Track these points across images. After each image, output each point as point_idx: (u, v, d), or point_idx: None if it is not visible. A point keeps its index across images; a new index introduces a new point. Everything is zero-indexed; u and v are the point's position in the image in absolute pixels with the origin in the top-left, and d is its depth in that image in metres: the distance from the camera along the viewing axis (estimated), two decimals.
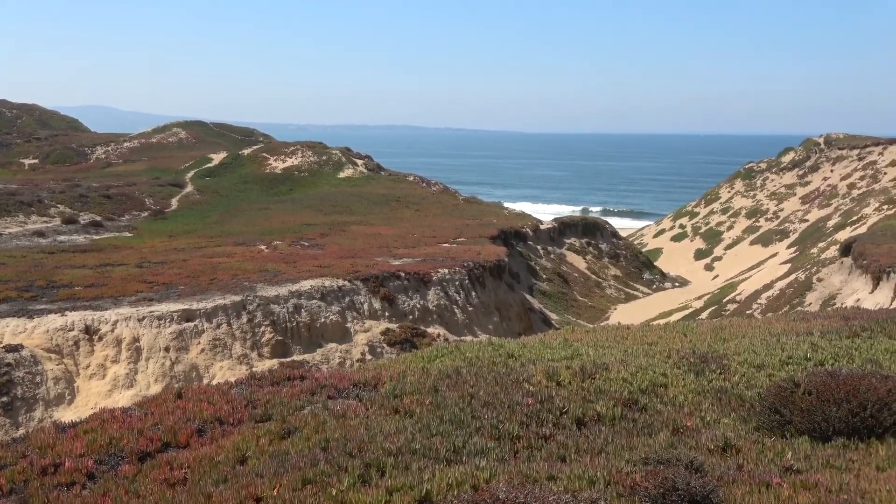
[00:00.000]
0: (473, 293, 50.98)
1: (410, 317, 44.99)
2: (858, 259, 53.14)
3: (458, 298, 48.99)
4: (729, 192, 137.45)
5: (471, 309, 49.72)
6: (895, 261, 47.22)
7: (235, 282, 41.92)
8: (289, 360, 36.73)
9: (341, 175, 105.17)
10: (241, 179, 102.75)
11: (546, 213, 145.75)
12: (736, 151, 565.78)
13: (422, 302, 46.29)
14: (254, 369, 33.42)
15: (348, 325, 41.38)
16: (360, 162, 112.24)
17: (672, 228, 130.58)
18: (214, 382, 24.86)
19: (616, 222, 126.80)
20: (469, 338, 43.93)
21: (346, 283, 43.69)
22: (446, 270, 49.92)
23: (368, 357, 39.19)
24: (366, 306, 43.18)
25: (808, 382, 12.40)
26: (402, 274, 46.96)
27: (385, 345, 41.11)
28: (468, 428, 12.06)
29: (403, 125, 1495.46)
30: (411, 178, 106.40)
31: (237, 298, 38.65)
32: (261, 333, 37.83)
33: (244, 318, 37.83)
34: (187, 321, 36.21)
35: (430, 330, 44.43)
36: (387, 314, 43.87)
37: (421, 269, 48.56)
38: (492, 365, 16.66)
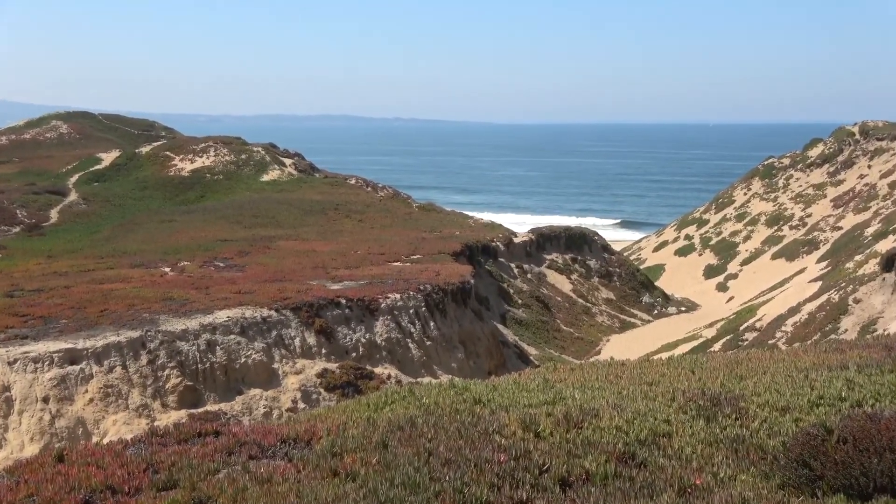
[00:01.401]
0: (432, 323, 50.94)
1: (354, 354, 44.81)
2: None
3: (412, 330, 48.91)
4: (745, 194, 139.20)
5: (429, 343, 49.66)
6: None
7: (132, 313, 41.48)
8: (200, 410, 36.35)
9: (265, 178, 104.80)
10: (139, 185, 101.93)
11: (521, 222, 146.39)
12: (752, 144, 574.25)
13: (368, 335, 46.15)
14: (156, 423, 33.03)
15: (276, 365, 41.11)
16: (288, 161, 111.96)
17: (676, 240, 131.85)
18: (106, 441, 24.52)
19: (607, 233, 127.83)
20: (427, 379, 43.79)
21: (273, 313, 43.43)
22: (398, 296, 49.83)
23: (301, 405, 38.93)
24: (297, 342, 42.94)
25: (842, 428, 12.50)
26: (343, 301, 46.78)
27: (322, 389, 40.88)
28: (425, 493, 12.01)
29: (342, 115, 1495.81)
30: (353, 181, 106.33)
31: (135, 334, 38.23)
32: (165, 378, 37.44)
33: (144, 360, 37.43)
34: (71, 364, 35.75)
35: (378, 370, 44.27)
36: (324, 351, 43.66)
37: (366, 295, 48.41)
38: (454, 413, 16.61)
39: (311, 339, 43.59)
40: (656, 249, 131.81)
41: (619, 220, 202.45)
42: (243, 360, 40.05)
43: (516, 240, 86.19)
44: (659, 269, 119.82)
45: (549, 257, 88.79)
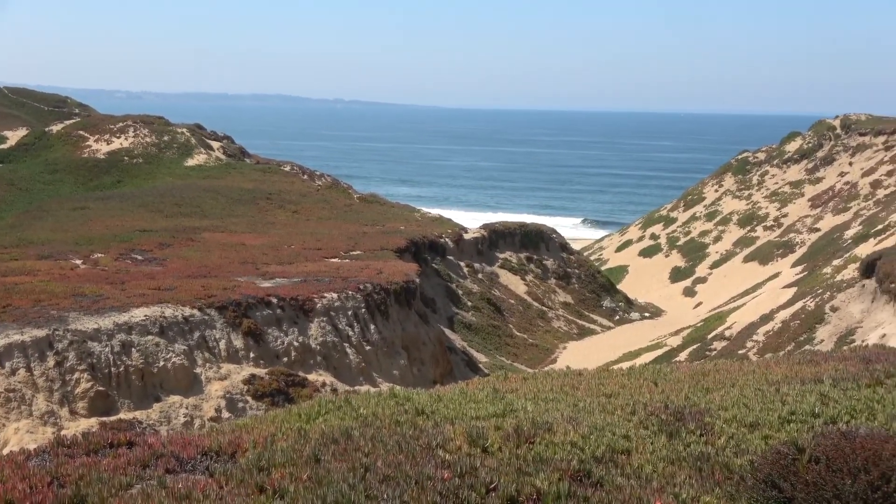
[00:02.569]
0: (372, 326, 50.90)
1: (285, 359, 44.65)
2: (885, 281, 54.80)
3: (350, 334, 48.84)
4: (716, 191, 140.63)
5: (368, 348, 49.62)
6: None
7: (39, 310, 40.99)
8: (114, 418, 36.04)
9: (190, 162, 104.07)
10: (49, 167, 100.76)
11: (472, 217, 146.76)
12: (726, 136, 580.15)
13: (301, 338, 46.01)
14: (63, 432, 32.70)
15: (198, 370, 40.86)
16: (216, 145, 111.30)
17: (641, 239, 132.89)
18: (6, 451, 24.24)
19: (566, 231, 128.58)
20: (366, 387, 43.74)
21: (196, 312, 43.14)
22: (335, 295, 49.72)
23: (226, 414, 38.74)
24: (223, 344, 42.71)
25: (815, 447, 12.68)
26: (275, 300, 46.59)
27: (249, 397, 40.70)
28: None
29: (277, 94, 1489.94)
30: (288, 168, 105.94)
31: (41, 333, 37.79)
32: (74, 382, 37.06)
33: (50, 362, 37.02)
34: None
35: (311, 377, 44.15)
36: (252, 355, 43.47)
37: (300, 294, 48.25)
38: (395, 425, 16.62)
39: (238, 342, 43.37)
40: (619, 249, 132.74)
41: (579, 217, 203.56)
42: (162, 363, 39.75)
43: (467, 236, 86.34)
44: (621, 270, 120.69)
45: (502, 256, 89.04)
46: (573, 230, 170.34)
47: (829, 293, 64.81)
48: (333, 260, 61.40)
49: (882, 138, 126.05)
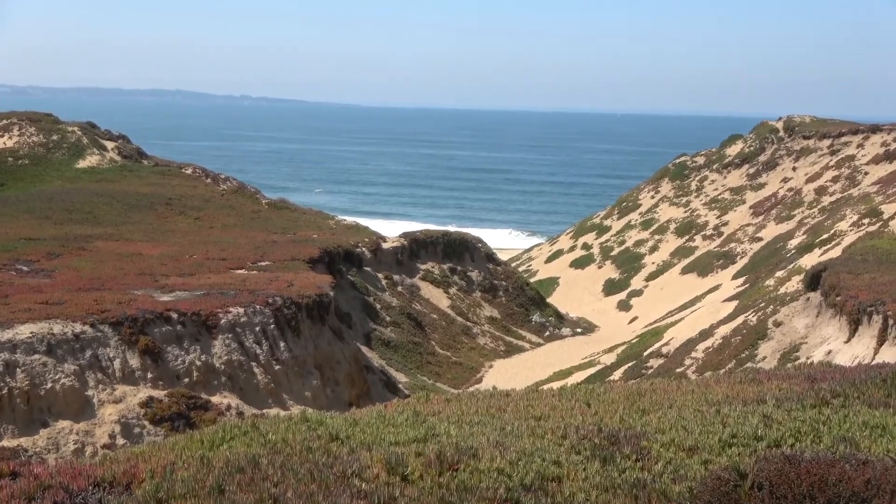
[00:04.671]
0: (282, 344, 50.63)
1: (186, 379, 44.25)
2: (830, 294, 55.66)
3: (258, 352, 48.53)
4: (653, 197, 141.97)
5: (278, 367, 49.34)
6: (879, 297, 49.56)
7: None
8: None
9: (82, 164, 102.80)
10: None
11: (391, 226, 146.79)
12: (664, 138, 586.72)
13: (204, 357, 45.62)
14: None
15: (90, 392, 40.33)
16: (110, 145, 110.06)
17: (573, 249, 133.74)
18: None
19: (493, 240, 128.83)
20: (275, 410, 43.50)
21: (88, 328, 42.59)
22: (241, 310, 49.38)
23: (121, 441, 38.28)
24: (118, 364, 42.20)
25: (758, 472, 12.82)
26: (175, 315, 46.15)
27: (147, 422, 40.27)
28: None
29: (178, 90, 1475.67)
30: (189, 171, 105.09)
31: None
32: None
33: None
34: None
35: (215, 399, 43.81)
36: (150, 376, 43.01)
37: (203, 308, 47.85)
38: (306, 452, 16.53)
39: (135, 361, 42.88)
40: (549, 260, 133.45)
41: (506, 226, 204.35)
42: (50, 385, 39.17)
43: (385, 246, 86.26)
44: (552, 283, 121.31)
45: (423, 267, 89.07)
46: (500, 239, 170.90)
47: (772, 307, 65.73)
48: (240, 271, 60.99)
49: (827, 142, 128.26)
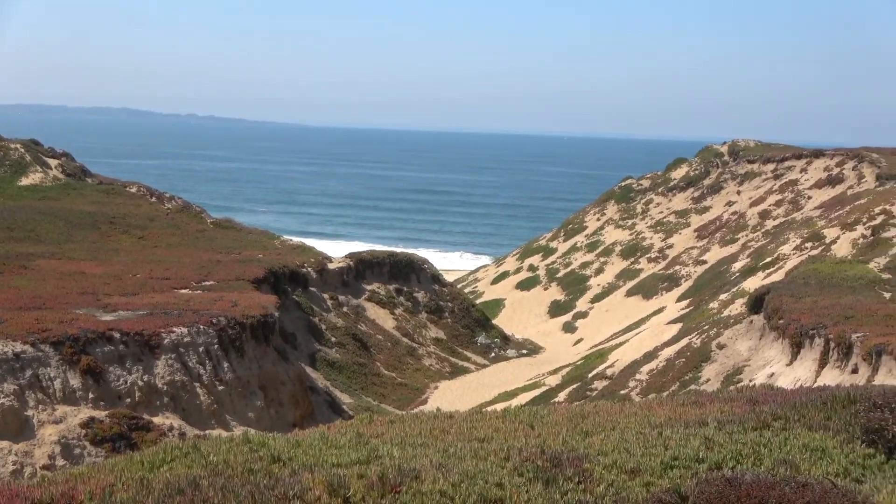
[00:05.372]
0: (226, 364, 50.35)
1: (128, 400, 43.86)
2: (773, 318, 56.18)
3: (201, 372, 48.23)
4: (598, 220, 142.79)
5: (221, 388, 49.05)
6: (821, 320, 50.08)
7: None
8: None
9: (24, 182, 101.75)
10: None
11: (337, 246, 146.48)
12: (610, 161, 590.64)
13: (146, 377, 45.25)
14: None
15: (29, 412, 39.86)
16: (54, 163, 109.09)
17: (518, 271, 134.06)
18: None
19: (438, 261, 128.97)
20: (217, 431, 43.22)
21: (28, 347, 42.12)
22: (185, 330, 49.06)
23: (61, 462, 37.86)
24: (58, 384, 41.77)
25: (698, 494, 12.92)
26: (117, 335, 45.75)
27: (87, 443, 39.87)
28: None
29: (124, 108, 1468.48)
30: (134, 190, 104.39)
31: None
32: None
33: None
34: None
35: (157, 420, 43.46)
36: (91, 396, 42.60)
37: (146, 328, 47.48)
38: (248, 473, 16.45)
39: (76, 381, 42.46)
40: (495, 282, 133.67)
41: (452, 247, 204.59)
42: None
43: (331, 266, 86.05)
44: (497, 304, 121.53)
45: (369, 288, 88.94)
46: (446, 260, 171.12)
47: (715, 329, 66.22)
48: (183, 291, 60.63)
49: (771, 166, 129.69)
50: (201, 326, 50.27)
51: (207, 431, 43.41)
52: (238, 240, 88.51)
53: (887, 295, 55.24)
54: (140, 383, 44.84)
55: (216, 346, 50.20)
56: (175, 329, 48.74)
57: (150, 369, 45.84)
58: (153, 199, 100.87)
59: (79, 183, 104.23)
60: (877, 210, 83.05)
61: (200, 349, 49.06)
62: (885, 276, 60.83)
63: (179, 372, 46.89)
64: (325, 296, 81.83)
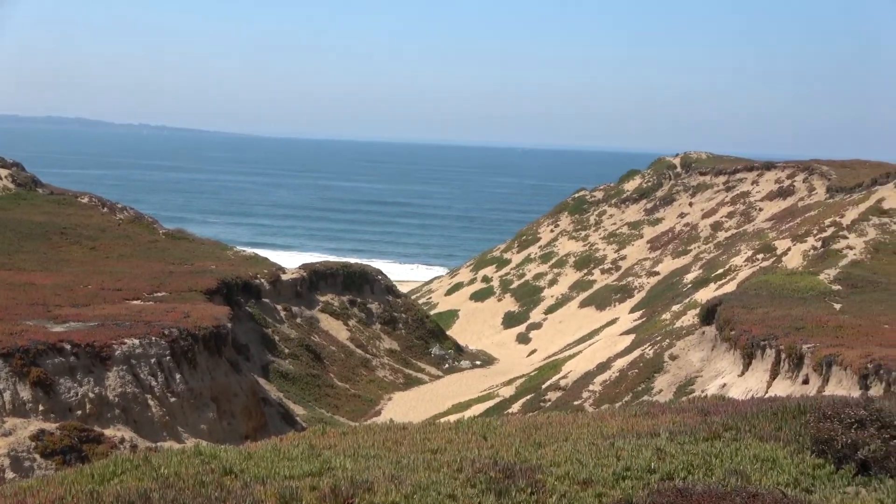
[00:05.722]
0: (178, 376, 50.05)
1: (79, 412, 43.51)
2: (725, 329, 56.61)
3: (153, 384, 47.91)
4: (552, 231, 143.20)
5: (173, 400, 48.75)
6: (772, 331, 50.52)
7: None
8: None
9: None
10: None
11: (291, 257, 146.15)
12: (564, 172, 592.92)
13: (97, 389, 44.90)
14: None
15: None
16: (4, 172, 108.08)
17: (472, 282, 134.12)
18: None
19: (392, 272, 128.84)
20: (169, 443, 42.96)
21: None
22: (137, 341, 48.73)
23: (10, 475, 37.48)
24: (8, 396, 41.38)
25: None
26: (68, 346, 45.36)
27: (37, 455, 39.49)
28: None
29: (77, 118, 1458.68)
30: (86, 200, 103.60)
31: None
32: None
33: None
34: None
35: (108, 432, 43.13)
36: (42, 408, 42.21)
37: (97, 340, 47.11)
38: (199, 486, 16.36)
39: (26, 393, 42.07)
40: (449, 293, 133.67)
41: (406, 258, 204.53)
42: None
43: (284, 277, 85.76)
44: (452, 315, 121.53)
45: (323, 299, 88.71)
46: (400, 272, 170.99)
47: (668, 340, 66.60)
48: (135, 302, 60.24)
49: (723, 178, 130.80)
50: (153, 338, 49.96)
51: (159, 444, 43.13)
52: (190, 250, 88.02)
53: (837, 306, 55.78)
54: (91, 395, 44.48)
55: (168, 358, 49.90)
56: (127, 340, 48.41)
57: (101, 381, 45.50)
58: (105, 210, 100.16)
59: (29, 193, 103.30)
60: (827, 222, 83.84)
61: (152, 361, 48.75)
62: (836, 287, 61.45)
63: (131, 384, 46.57)
64: (279, 307, 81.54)
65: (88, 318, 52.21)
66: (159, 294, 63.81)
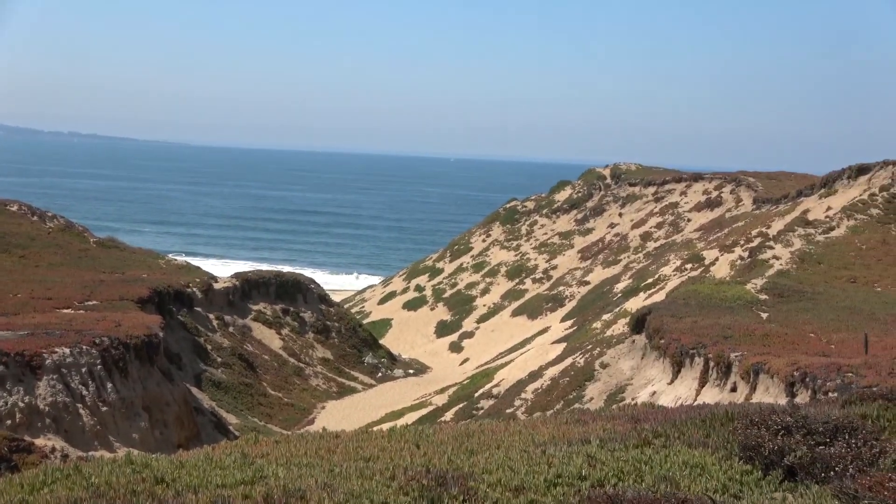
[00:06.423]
0: (109, 385, 49.61)
1: (9, 421, 43.00)
2: (654, 337, 57.10)
3: (84, 393, 47.45)
4: (484, 241, 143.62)
5: (105, 409, 48.31)
6: (701, 340, 51.05)
7: None
8: None
9: None
10: None
11: (223, 266, 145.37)
12: (496, 183, 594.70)
13: (27, 398, 44.39)
14: None
15: None
16: None
17: (405, 291, 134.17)
18: None
19: (325, 281, 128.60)
20: (101, 453, 42.54)
21: None
22: (67, 350, 48.25)
23: None
24: None
25: None
26: None
27: None
28: None
29: (1, 125, 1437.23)
30: (15, 208, 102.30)
31: None
32: None
33: None
34: None
35: (39, 441, 42.63)
36: None
37: (27, 349, 46.59)
38: (130, 495, 16.22)
39: None
40: (382, 301, 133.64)
41: (338, 267, 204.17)
42: None
43: (217, 286, 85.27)
44: (385, 324, 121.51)
45: (255, 308, 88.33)
46: (333, 281, 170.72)
47: (598, 349, 67.05)
48: (66, 311, 59.65)
49: (652, 189, 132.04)
50: (84, 347, 49.48)
51: (91, 453, 42.70)
52: (122, 259, 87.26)
53: (764, 315, 56.44)
54: (21, 404, 43.95)
55: (99, 367, 49.43)
56: (57, 349, 47.90)
57: (31, 390, 44.97)
58: (35, 218, 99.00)
59: None
60: (754, 232, 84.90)
61: (83, 370, 48.27)
62: (763, 296, 62.16)
63: (62, 393, 46.07)
64: (211, 316, 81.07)
65: (18, 327, 51.61)
66: (90, 303, 63.24)
